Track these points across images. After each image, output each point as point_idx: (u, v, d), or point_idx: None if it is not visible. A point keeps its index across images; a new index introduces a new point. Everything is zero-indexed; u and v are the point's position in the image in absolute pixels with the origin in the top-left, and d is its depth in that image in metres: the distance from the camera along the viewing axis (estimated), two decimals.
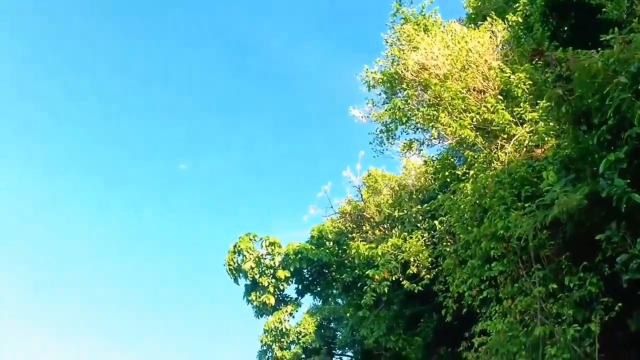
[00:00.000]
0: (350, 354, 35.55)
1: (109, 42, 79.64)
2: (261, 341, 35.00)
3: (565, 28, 17.31)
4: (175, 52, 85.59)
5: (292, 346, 35.65)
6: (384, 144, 21.25)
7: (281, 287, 23.54)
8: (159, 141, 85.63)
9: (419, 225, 19.29)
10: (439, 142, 19.54)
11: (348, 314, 23.85)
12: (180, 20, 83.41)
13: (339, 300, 29.03)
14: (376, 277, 18.19)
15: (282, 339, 33.16)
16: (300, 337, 34.63)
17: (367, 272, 18.70)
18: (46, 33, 78.83)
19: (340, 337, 33.98)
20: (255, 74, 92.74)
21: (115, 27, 78.92)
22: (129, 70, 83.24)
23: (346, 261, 21.88)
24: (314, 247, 22.88)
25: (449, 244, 17.53)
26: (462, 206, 15.60)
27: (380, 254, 18.37)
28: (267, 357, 36.26)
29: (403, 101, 18.81)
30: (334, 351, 35.04)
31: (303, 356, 34.70)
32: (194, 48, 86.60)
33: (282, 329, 27.72)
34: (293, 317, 26.37)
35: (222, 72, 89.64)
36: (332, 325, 34.34)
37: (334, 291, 24.59)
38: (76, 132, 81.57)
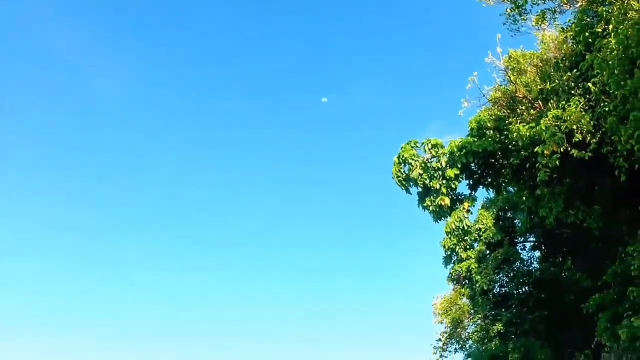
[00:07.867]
0: (532, 239, 35.86)
1: None
2: (444, 246, 35.90)
3: None
4: None
5: (475, 245, 36.61)
6: (518, 22, 21.31)
7: (453, 187, 23.59)
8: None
9: (572, 92, 19.07)
10: (570, 6, 19.48)
11: (524, 198, 24.02)
12: None
13: (510, 189, 29.23)
14: (545, 152, 18.44)
15: (465, 238, 34.09)
16: (481, 233, 35.53)
17: (535, 150, 18.90)
18: None
19: (520, 225, 34.28)
20: None
21: None
22: None
23: (510, 146, 21.87)
24: (476, 139, 22.68)
25: (606, 103, 17.51)
26: (610, 62, 15.75)
27: (544, 128, 18.39)
28: (452, 261, 37.52)
29: None
30: (515, 240, 35.44)
31: (487, 252, 35.30)
32: None
33: (463, 227, 28.16)
34: (471, 213, 26.53)
35: None
36: (509, 214, 34.79)
37: (505, 179, 24.73)
38: None
